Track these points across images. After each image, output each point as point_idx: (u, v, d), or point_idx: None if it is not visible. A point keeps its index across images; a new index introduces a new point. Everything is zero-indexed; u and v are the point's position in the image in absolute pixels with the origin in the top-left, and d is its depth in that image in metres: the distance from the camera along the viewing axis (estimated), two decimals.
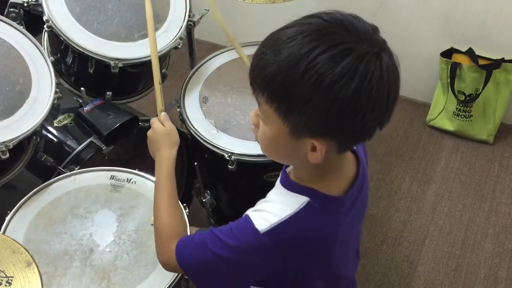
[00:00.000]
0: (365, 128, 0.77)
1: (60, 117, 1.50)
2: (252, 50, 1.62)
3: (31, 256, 0.90)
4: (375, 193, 2.05)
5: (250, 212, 0.88)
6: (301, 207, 0.84)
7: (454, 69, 2.17)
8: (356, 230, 1.00)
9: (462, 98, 2.20)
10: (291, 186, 0.88)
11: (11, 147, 1.14)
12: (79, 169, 1.32)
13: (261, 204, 0.90)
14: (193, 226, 1.20)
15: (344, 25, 0.74)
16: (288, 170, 0.93)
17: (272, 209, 0.85)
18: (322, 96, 0.71)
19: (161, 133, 1.10)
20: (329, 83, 0.70)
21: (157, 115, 1.16)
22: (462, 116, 2.23)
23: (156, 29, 1.45)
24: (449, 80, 2.21)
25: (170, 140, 1.10)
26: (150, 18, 1.26)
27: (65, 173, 1.30)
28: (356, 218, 0.94)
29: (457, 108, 2.23)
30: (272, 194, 0.91)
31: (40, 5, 1.36)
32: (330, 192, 0.86)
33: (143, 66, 1.48)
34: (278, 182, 0.92)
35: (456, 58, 2.19)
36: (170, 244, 0.95)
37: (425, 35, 2.28)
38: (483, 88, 2.15)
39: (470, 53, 2.16)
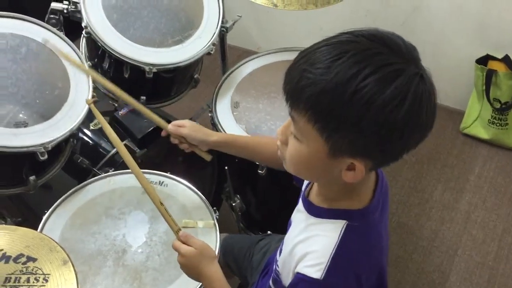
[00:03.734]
0: (406, 147, 0.76)
1: (96, 121, 1.55)
2: (280, 57, 1.66)
3: (67, 255, 0.93)
4: (406, 201, 2.02)
5: (298, 271, 0.84)
6: (342, 232, 0.81)
7: (490, 76, 2.12)
8: (387, 230, 0.97)
9: (498, 105, 2.15)
10: (321, 212, 0.85)
11: (49, 148, 1.18)
12: (113, 171, 1.36)
13: (298, 248, 0.86)
14: (223, 232, 1.20)
15: (387, 45, 0.73)
16: (306, 193, 0.91)
17: (314, 247, 0.82)
18: (372, 118, 0.70)
19: (195, 256, 0.98)
20: (379, 105, 0.69)
21: (175, 233, 1.02)
22: (498, 124, 2.18)
23: (190, 35, 1.49)
24: (484, 88, 2.16)
25: (208, 257, 0.99)
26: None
27: (100, 174, 1.34)
28: (386, 215, 0.92)
29: (492, 116, 2.18)
30: (302, 230, 0.88)
31: (79, 11, 1.41)
32: (361, 205, 0.84)
33: (176, 71, 1.51)
34: (303, 213, 0.89)
35: (492, 65, 2.14)
36: None
37: (460, 41, 2.24)
38: None
39: (506, 60, 2.11)
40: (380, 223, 0.88)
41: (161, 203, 1.03)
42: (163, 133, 1.24)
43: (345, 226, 0.82)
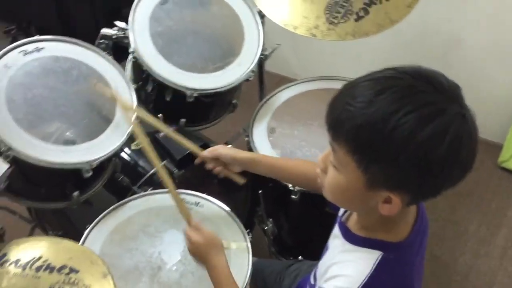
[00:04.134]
0: (444, 185, 0.77)
1: (137, 141, 1.61)
2: (318, 85, 1.69)
3: (107, 268, 0.97)
4: (441, 233, 1.99)
5: (324, 285, 0.86)
6: (376, 263, 0.82)
7: None
8: (422, 268, 0.98)
9: None
10: (358, 240, 0.86)
11: (94, 166, 1.24)
12: (151, 190, 1.41)
13: (331, 269, 0.87)
14: (254, 256, 1.21)
15: (430, 83, 0.74)
16: (343, 219, 0.92)
17: (347, 271, 0.84)
18: (410, 154, 0.71)
19: (203, 245, 1.06)
20: (418, 142, 0.70)
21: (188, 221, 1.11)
22: None
23: (230, 62, 1.55)
24: None
25: (215, 247, 1.06)
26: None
27: (138, 193, 1.39)
28: (423, 250, 0.93)
29: None
30: (338, 254, 0.89)
31: (127, 37, 1.48)
32: (398, 239, 0.85)
33: (216, 96, 1.57)
34: (340, 238, 0.90)
35: None
36: None
37: (498, 74, 2.23)
38: None
39: None
40: (416, 257, 0.88)
41: (174, 189, 1.13)
42: (197, 161, 1.27)
43: (380, 257, 0.82)
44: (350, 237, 0.88)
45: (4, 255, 1.01)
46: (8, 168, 1.09)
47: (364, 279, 0.81)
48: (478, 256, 1.91)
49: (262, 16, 1.66)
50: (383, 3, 1.55)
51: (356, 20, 1.55)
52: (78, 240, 1.20)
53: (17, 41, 1.31)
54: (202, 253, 1.07)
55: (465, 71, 2.23)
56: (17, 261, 0.99)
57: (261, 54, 1.62)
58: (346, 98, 0.76)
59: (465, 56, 2.25)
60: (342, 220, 0.94)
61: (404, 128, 0.70)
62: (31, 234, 1.68)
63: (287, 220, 1.65)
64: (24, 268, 0.98)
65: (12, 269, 0.98)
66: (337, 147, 0.78)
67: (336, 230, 0.93)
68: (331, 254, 0.93)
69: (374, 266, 0.82)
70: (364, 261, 0.83)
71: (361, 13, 1.55)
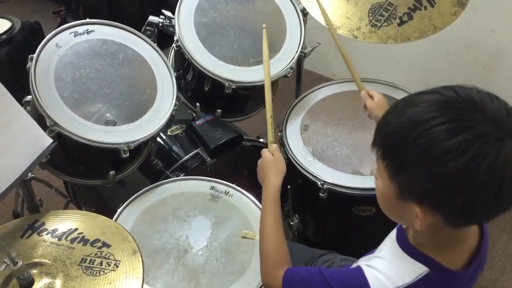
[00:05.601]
0: (470, 210, 0.74)
1: (173, 127, 1.66)
2: (354, 86, 1.68)
3: (137, 246, 1.01)
4: None
5: (364, 266, 0.87)
6: (419, 277, 0.82)
7: None
8: None
9: None
10: (410, 250, 0.85)
11: (132, 147, 1.29)
12: (184, 176, 1.45)
13: (374, 260, 0.88)
14: None
15: (474, 103, 0.72)
16: (404, 226, 0.91)
17: (389, 271, 0.84)
18: (429, 163, 0.71)
19: (269, 162, 1.18)
20: (438, 153, 0.70)
21: (266, 146, 1.25)
22: None
23: (271, 57, 1.56)
24: None
25: (277, 168, 1.17)
26: (266, 58, 1.41)
27: (171, 177, 1.43)
28: (471, 284, 0.91)
29: None
30: (386, 251, 0.89)
31: (173, 26, 1.53)
32: (450, 266, 0.83)
33: (253, 90, 1.60)
34: (393, 238, 0.89)
35: None
36: (276, 270, 0.99)
37: None
38: None
39: None
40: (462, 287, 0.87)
41: (271, 116, 1.29)
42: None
43: (425, 273, 0.82)
44: (402, 242, 0.87)
45: (43, 224, 1.07)
46: (52, 143, 1.14)
47: (401, 285, 0.82)
48: (503, 272, 1.89)
49: (305, 14, 1.67)
50: (428, 9, 1.55)
51: (399, 25, 1.55)
52: (109, 218, 1.25)
53: (66, 22, 1.36)
54: (265, 169, 1.17)
55: (507, 82, 2.18)
56: (54, 231, 1.05)
57: (301, 52, 1.64)
58: (391, 108, 0.79)
59: (507, 67, 2.20)
60: (403, 226, 0.93)
61: (428, 138, 0.71)
62: (65, 208, 1.75)
63: (312, 217, 1.66)
64: (60, 238, 1.03)
65: (48, 238, 1.03)
66: (376, 154, 0.81)
67: (392, 233, 0.92)
68: (378, 250, 0.92)
69: (417, 279, 0.82)
70: (408, 271, 0.83)
71: (405, 18, 1.55)
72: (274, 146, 1.22)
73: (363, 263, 0.88)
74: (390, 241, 0.90)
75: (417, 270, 0.82)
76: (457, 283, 0.85)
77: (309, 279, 0.92)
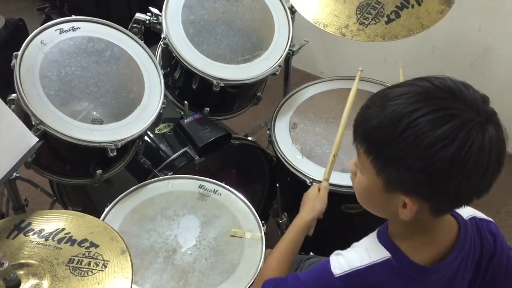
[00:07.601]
0: (459, 195, 0.76)
1: (161, 126, 1.64)
2: (342, 84, 1.69)
3: (126, 245, 1.00)
4: None
5: (333, 255, 0.90)
6: (379, 261, 0.84)
7: None
8: None
9: None
10: (381, 236, 0.88)
11: (119, 146, 1.27)
12: (172, 174, 1.44)
13: (348, 249, 0.91)
14: (267, 248, 1.23)
15: (452, 92, 0.74)
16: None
17: (353, 255, 0.87)
18: (418, 155, 0.72)
19: (311, 197, 1.21)
20: (426, 144, 0.71)
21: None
22: None
23: (258, 55, 1.56)
24: None
25: (313, 205, 1.20)
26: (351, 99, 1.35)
27: (159, 176, 1.42)
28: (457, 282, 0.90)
29: None
30: (365, 238, 0.92)
31: (160, 23, 1.51)
32: (416, 257, 0.84)
33: (241, 88, 1.59)
34: (375, 232, 0.92)
35: None
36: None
37: None
38: None
39: None
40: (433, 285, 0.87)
41: (335, 155, 1.28)
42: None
43: (385, 258, 0.84)
44: (380, 231, 0.89)
45: (29, 224, 1.05)
46: (38, 142, 1.12)
47: (360, 266, 0.84)
48: None
49: (293, 11, 1.67)
50: (415, 7, 1.55)
51: (386, 23, 1.55)
52: (97, 217, 1.24)
53: (50, 19, 1.34)
54: (304, 202, 1.22)
55: (495, 81, 2.21)
56: (40, 231, 1.03)
57: (289, 50, 1.63)
58: (367, 103, 0.80)
59: (495, 65, 2.23)
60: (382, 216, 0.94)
61: (415, 130, 0.72)
62: (51, 208, 1.73)
63: None
64: (46, 238, 1.02)
65: (35, 238, 1.02)
66: (358, 149, 0.81)
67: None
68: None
69: (375, 262, 0.84)
70: (372, 254, 0.85)
71: (392, 16, 1.56)
72: (324, 184, 1.24)
73: (334, 253, 0.91)
74: (372, 232, 0.92)
75: (380, 254, 0.85)
76: (427, 278, 0.85)
77: (281, 280, 0.96)
